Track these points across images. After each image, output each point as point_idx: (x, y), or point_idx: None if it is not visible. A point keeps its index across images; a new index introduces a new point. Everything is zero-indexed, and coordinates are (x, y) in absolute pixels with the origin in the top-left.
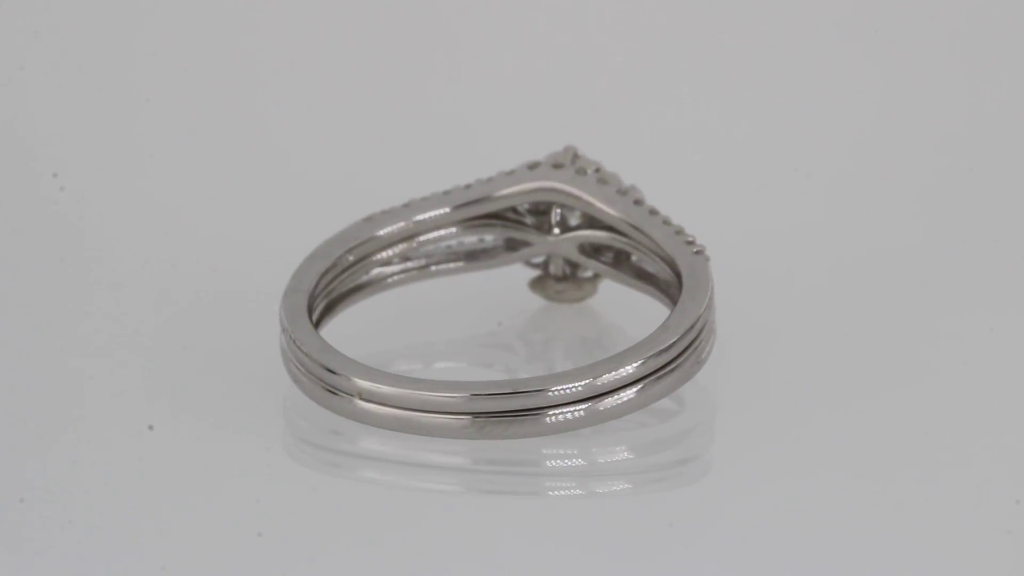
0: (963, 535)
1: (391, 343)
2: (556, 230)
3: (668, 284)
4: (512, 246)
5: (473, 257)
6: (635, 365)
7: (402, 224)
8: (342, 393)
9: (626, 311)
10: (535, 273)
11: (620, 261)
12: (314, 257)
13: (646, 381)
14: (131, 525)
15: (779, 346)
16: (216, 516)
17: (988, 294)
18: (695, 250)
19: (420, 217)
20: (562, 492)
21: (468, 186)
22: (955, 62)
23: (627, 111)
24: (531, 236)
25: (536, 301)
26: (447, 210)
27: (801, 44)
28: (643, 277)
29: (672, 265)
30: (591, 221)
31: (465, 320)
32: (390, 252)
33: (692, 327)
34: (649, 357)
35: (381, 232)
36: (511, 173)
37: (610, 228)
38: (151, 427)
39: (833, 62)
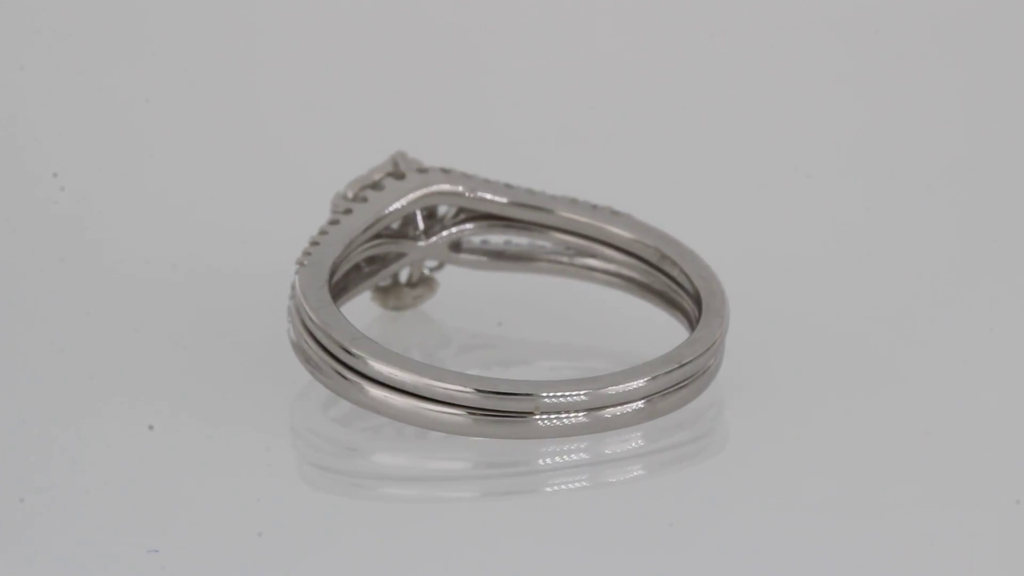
0: (963, 535)
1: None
2: (421, 234)
3: (561, 252)
4: (385, 261)
5: (353, 281)
6: (643, 381)
7: (331, 263)
8: (353, 378)
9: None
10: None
11: (473, 248)
12: (325, 308)
13: (654, 396)
14: (131, 525)
15: (778, 346)
16: (216, 516)
17: (988, 294)
18: (612, 211)
19: (338, 253)
20: (569, 485)
21: (348, 210)
22: (955, 62)
23: (610, 117)
24: (402, 246)
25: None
26: (350, 239)
27: (802, 45)
28: (515, 258)
29: (593, 234)
30: (458, 215)
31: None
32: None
33: (709, 349)
34: (659, 375)
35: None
36: (381, 188)
37: (488, 216)
38: (151, 427)
39: (832, 63)
